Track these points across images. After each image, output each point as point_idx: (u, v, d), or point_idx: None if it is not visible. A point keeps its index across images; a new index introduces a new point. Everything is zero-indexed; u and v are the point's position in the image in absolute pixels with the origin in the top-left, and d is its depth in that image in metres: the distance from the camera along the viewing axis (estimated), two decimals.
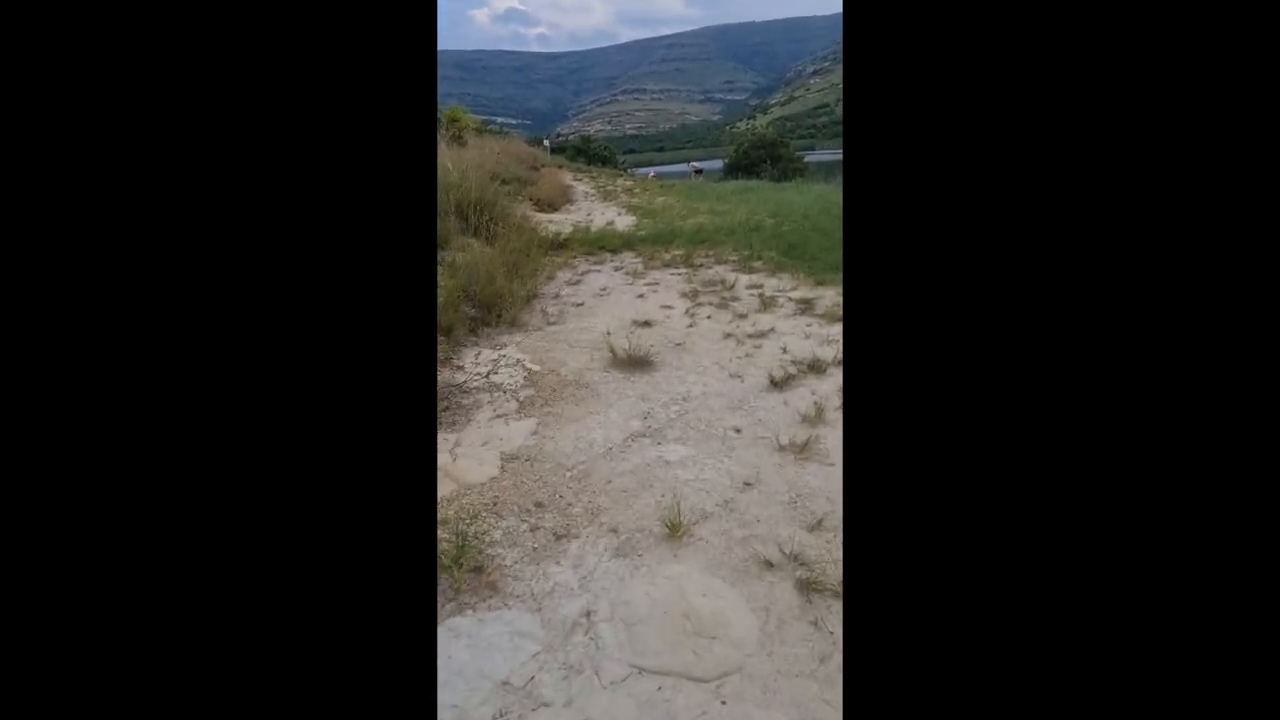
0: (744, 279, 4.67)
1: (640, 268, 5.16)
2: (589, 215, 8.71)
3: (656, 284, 4.69)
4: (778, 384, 2.85)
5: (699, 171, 18.62)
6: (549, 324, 3.87)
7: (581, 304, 4.29)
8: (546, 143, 19.47)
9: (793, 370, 3.00)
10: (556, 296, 4.49)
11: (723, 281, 4.59)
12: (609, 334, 3.53)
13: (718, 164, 23.10)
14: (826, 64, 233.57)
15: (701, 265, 5.18)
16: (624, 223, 7.88)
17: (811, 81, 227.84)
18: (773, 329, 3.63)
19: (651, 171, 19.37)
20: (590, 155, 24.02)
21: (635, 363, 3.14)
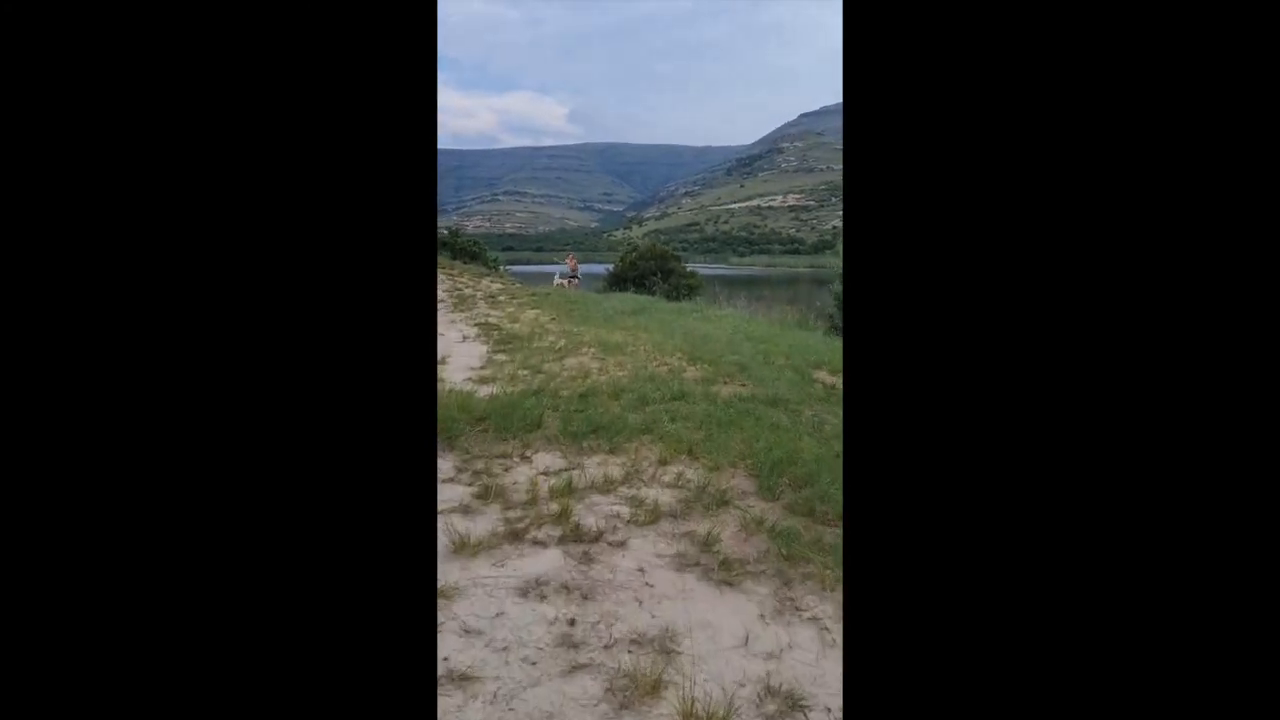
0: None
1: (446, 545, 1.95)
2: None
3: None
4: None
5: (573, 278, 14.88)
6: None
7: None
8: None
9: None
10: None
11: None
12: None
13: (598, 269, 21.10)
14: (695, 187, 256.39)
15: (604, 541, 2.03)
16: (464, 358, 5.00)
17: (683, 201, 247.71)
18: None
19: (554, 271, 15.25)
20: (456, 250, 21.09)
21: None
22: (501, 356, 5.10)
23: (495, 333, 6.37)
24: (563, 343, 5.88)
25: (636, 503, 2.32)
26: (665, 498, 2.37)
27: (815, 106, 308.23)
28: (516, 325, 7.03)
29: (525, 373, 4.48)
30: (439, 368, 4.56)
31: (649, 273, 15.24)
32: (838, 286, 11.08)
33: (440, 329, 6.55)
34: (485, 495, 2.33)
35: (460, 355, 5.19)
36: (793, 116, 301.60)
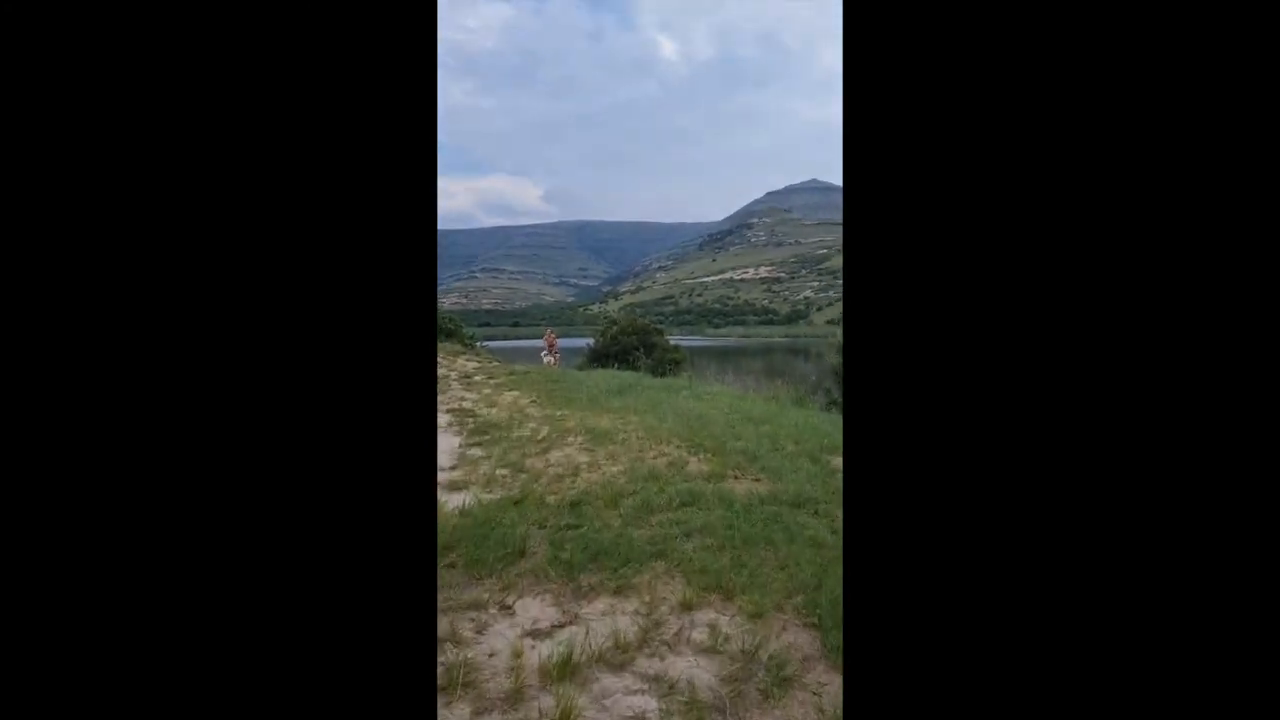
0: None
1: None
2: None
3: None
4: None
5: (552, 350, 14.30)
6: None
7: None
8: None
9: None
10: None
11: None
12: None
13: (579, 343, 20.59)
14: (669, 262, 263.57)
15: None
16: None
17: (657, 275, 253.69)
18: None
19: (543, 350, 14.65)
20: None
21: None
22: (476, 451, 4.44)
23: (470, 420, 5.72)
24: (546, 430, 5.24)
25: (664, 686, 1.65)
26: (702, 675, 1.70)
27: (781, 185, 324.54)
28: (494, 410, 6.38)
29: (504, 472, 3.83)
30: None
31: (631, 348, 14.76)
32: (833, 358, 10.69)
33: None
34: (449, 685, 1.63)
35: None
36: (760, 194, 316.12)
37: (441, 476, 3.76)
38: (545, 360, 13.35)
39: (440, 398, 7.33)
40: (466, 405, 6.68)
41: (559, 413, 6.26)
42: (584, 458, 4.33)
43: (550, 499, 3.23)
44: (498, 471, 3.78)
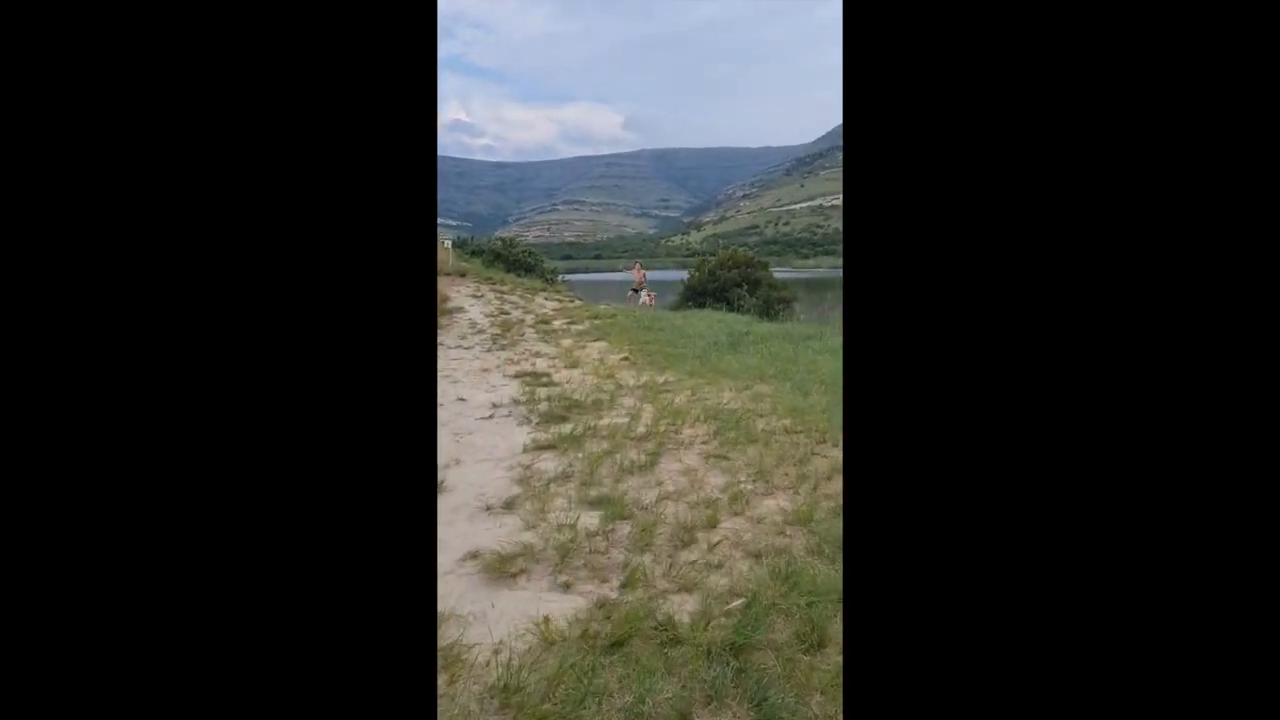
0: None
1: None
2: None
3: None
4: None
5: (642, 290, 12.88)
6: None
7: None
8: (448, 243, 14.35)
9: None
10: None
11: None
12: None
13: (667, 276, 18.50)
14: (754, 189, 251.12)
15: None
16: (481, 465, 2.82)
17: (741, 204, 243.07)
18: None
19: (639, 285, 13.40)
20: (511, 262, 19.22)
21: None
22: (548, 461, 2.88)
23: (544, 391, 4.20)
24: (648, 413, 3.63)
25: None
26: None
27: None
28: (576, 374, 4.84)
29: (591, 519, 2.24)
30: (438, 493, 2.41)
31: (732, 284, 12.66)
32: None
33: (465, 384, 4.44)
34: None
35: (477, 452, 3.02)
36: None
37: (486, 519, 2.23)
38: (641, 301, 11.56)
39: (510, 353, 5.88)
40: (541, 365, 5.18)
41: (661, 378, 4.64)
42: (716, 477, 2.69)
43: (684, 618, 1.62)
44: (582, 521, 2.21)
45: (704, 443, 3.15)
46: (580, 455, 2.92)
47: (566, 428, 3.33)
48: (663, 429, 3.32)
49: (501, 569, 1.86)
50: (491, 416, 3.66)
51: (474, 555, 1.94)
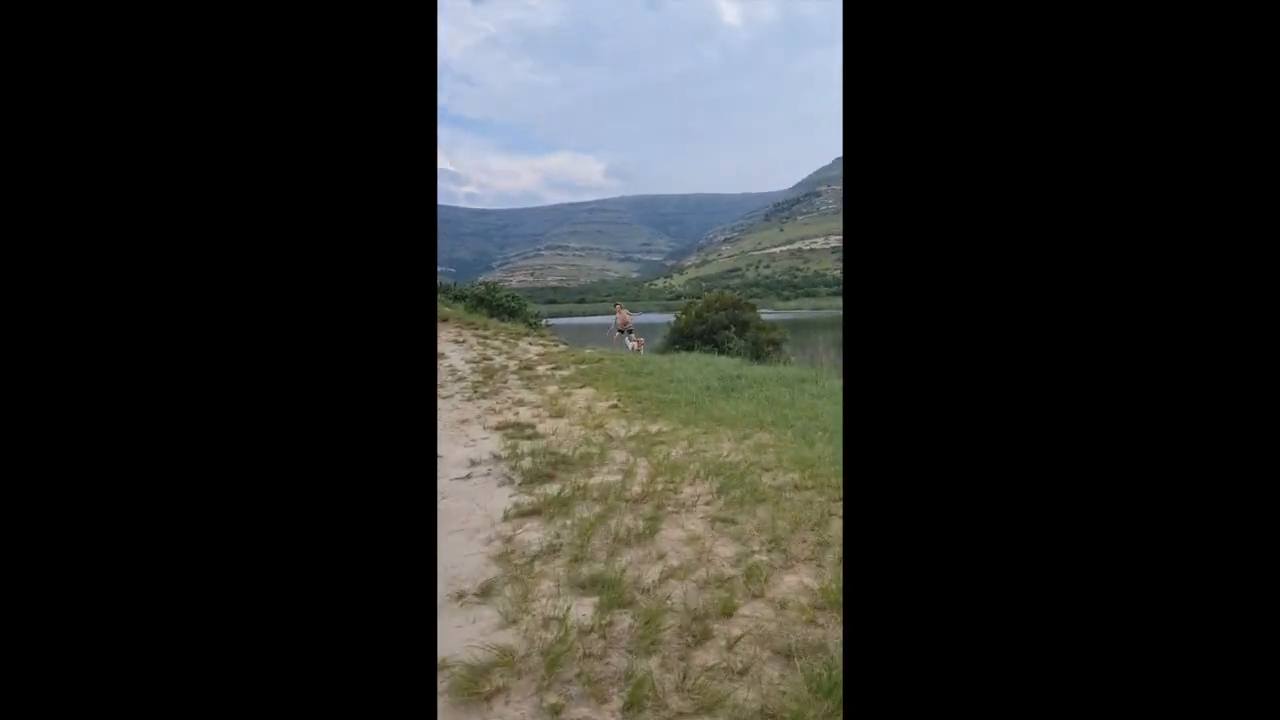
0: None
1: None
2: None
3: None
4: None
5: (629, 333, 12.13)
6: None
7: None
8: None
9: None
10: None
11: None
12: None
13: (651, 318, 18.17)
14: (734, 234, 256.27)
15: None
16: (454, 539, 2.43)
17: (722, 248, 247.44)
18: None
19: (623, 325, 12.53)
20: (494, 306, 18.93)
21: None
22: (532, 531, 2.52)
23: (528, 444, 3.85)
24: (643, 469, 3.29)
25: None
26: None
27: None
28: (561, 425, 4.50)
29: (586, 608, 1.88)
30: None
31: (719, 326, 12.42)
32: None
33: (442, 437, 4.06)
34: None
35: (451, 519, 2.64)
36: (828, 160, 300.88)
37: (461, 628, 1.83)
38: (629, 346, 10.72)
39: (492, 401, 5.53)
40: (525, 415, 4.83)
41: (654, 428, 4.31)
42: (726, 546, 2.35)
43: None
44: (574, 612, 1.84)
45: (707, 503, 2.81)
46: (569, 523, 2.56)
47: (553, 488, 2.97)
48: (660, 488, 2.98)
49: (472, 687, 1.48)
50: (469, 476, 3.29)
51: (440, 666, 1.56)
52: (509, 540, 2.41)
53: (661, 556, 2.25)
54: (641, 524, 2.52)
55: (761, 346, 11.59)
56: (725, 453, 3.67)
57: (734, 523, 2.57)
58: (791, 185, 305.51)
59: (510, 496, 2.92)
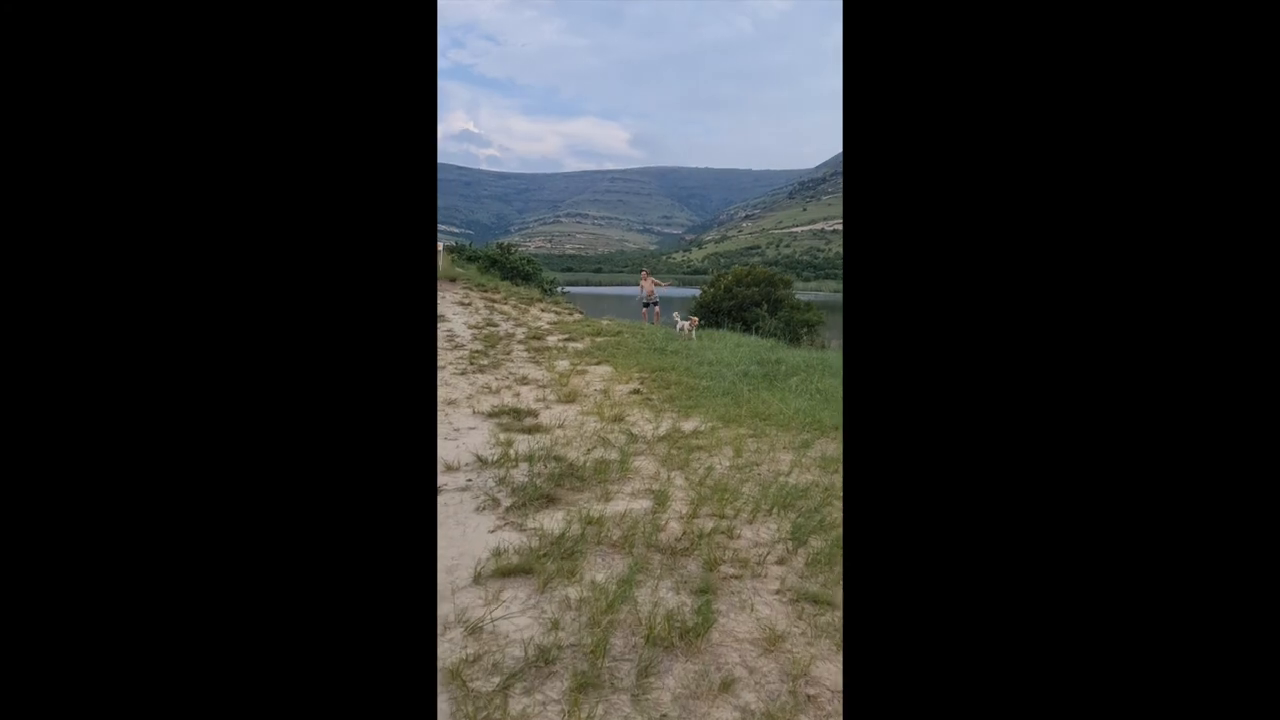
0: None
1: None
2: None
3: None
4: None
5: (653, 305, 10.60)
6: None
7: None
8: (440, 246, 12.85)
9: None
10: None
11: None
12: None
13: (670, 291, 16.91)
14: (756, 210, 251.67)
15: None
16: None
17: (743, 224, 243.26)
18: None
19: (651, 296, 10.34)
20: (508, 268, 17.94)
21: None
22: (513, 606, 1.61)
23: (525, 443, 2.94)
24: (679, 494, 2.38)
25: None
26: None
27: None
28: (570, 414, 3.58)
29: None
30: None
31: (750, 302, 11.35)
32: None
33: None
34: None
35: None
36: None
37: None
38: (681, 327, 7.79)
39: (490, 377, 4.62)
40: (527, 398, 3.92)
41: (687, 425, 3.39)
42: (828, 659, 1.43)
43: None
44: None
45: (780, 560, 1.90)
46: (574, 594, 1.65)
47: (553, 520, 2.07)
48: (708, 526, 2.07)
49: None
50: (446, 483, 2.39)
51: None
52: (475, 633, 1.49)
53: (728, 684, 1.34)
54: (686, 603, 1.61)
55: (796, 328, 10.52)
56: (785, 467, 2.75)
57: (831, 605, 1.65)
58: (817, 164, 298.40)
59: (491, 532, 2.01)
